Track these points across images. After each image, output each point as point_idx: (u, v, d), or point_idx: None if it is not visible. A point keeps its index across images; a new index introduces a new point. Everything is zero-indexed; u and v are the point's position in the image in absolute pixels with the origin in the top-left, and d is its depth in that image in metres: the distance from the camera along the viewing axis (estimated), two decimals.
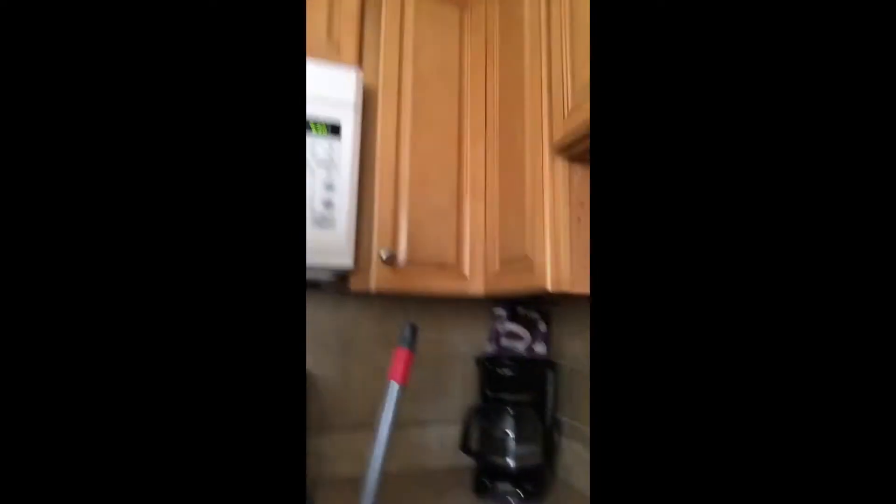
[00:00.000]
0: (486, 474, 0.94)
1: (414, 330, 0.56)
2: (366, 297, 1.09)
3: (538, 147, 0.69)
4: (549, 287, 0.64)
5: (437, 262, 0.84)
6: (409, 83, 0.87)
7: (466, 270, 0.86)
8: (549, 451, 1.01)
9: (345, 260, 0.76)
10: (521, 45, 0.78)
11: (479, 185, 0.89)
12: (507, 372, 0.97)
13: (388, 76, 0.86)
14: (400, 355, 0.54)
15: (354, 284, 0.81)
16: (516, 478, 0.92)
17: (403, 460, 1.05)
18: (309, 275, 0.80)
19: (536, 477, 0.94)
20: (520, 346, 1.13)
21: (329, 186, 0.77)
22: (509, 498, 0.90)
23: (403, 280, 0.81)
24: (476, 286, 0.86)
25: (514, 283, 0.75)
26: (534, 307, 1.16)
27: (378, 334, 1.09)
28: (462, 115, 0.90)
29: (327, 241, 0.76)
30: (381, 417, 0.53)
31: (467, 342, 1.17)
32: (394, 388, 0.53)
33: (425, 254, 0.84)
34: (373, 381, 1.08)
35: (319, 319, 1.06)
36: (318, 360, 1.04)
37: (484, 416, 0.99)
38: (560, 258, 0.64)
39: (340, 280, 0.98)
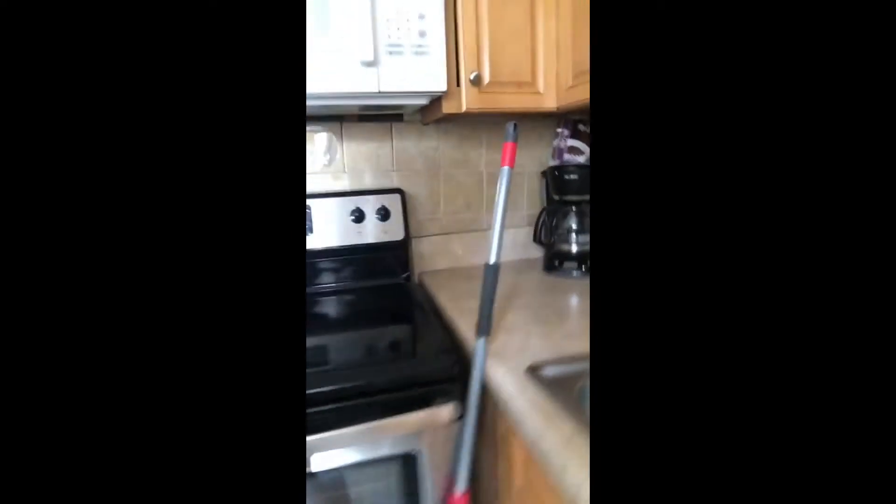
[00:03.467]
0: (555, 258, 1.20)
1: (515, 126, 0.73)
2: (444, 125, 1.25)
3: None
4: None
5: (515, 80, 0.96)
6: None
7: (541, 87, 0.98)
8: None
9: (440, 84, 0.90)
10: None
11: (551, 2, 0.95)
12: (572, 176, 1.15)
13: None
14: (507, 146, 0.72)
15: (447, 107, 0.96)
16: (578, 259, 1.18)
17: (486, 255, 1.33)
18: (406, 101, 0.95)
19: None
20: (580, 159, 1.29)
21: (421, 15, 0.86)
22: (574, 272, 1.16)
23: (488, 100, 0.95)
24: (550, 101, 0.99)
25: (588, 94, 0.88)
26: None
27: (457, 158, 1.28)
28: None
29: (425, 68, 0.88)
30: (498, 200, 0.73)
31: (533, 161, 1.34)
32: (505, 171, 0.72)
33: (505, 73, 0.95)
34: (456, 197, 1.30)
35: (406, 147, 1.24)
36: (410, 182, 1.25)
37: (552, 214, 1.21)
38: None
39: (423, 110, 1.13)
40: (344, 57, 0.83)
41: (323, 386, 0.70)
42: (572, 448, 0.49)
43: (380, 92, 0.87)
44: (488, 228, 1.33)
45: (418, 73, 0.88)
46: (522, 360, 0.70)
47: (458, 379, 0.76)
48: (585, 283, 1.10)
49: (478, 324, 0.74)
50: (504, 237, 0.80)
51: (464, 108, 0.94)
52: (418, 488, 0.78)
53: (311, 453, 0.69)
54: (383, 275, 1.20)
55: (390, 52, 0.86)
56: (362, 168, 1.22)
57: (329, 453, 0.70)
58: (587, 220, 1.18)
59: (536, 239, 1.22)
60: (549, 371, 0.68)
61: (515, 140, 0.73)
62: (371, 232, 1.16)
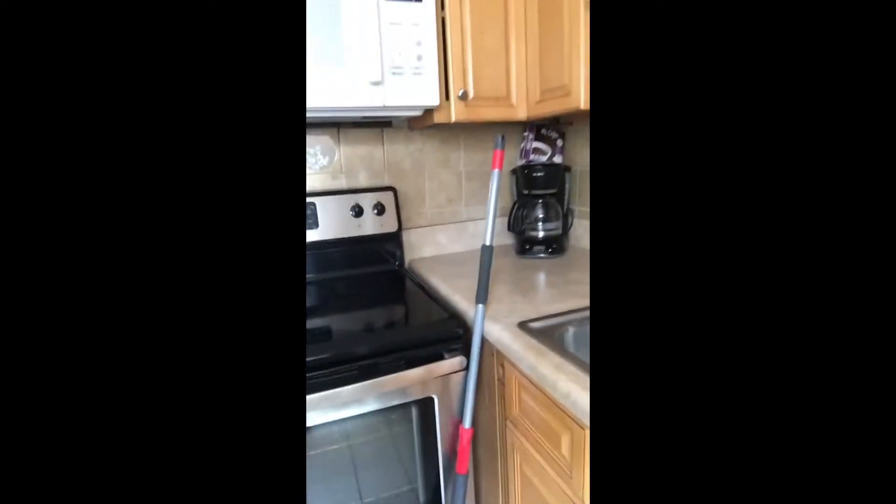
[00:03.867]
0: (526, 243, 1.42)
1: (503, 137, 0.92)
2: (428, 130, 1.43)
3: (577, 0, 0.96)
4: (583, 105, 0.99)
5: (493, 96, 1.16)
6: None
7: (514, 101, 1.19)
8: (566, 228, 1.48)
9: (434, 100, 1.08)
10: None
11: (521, 30, 1.15)
12: (539, 174, 1.37)
13: None
14: (496, 153, 0.92)
15: (438, 118, 1.14)
16: (545, 243, 1.40)
17: (466, 244, 1.53)
18: (404, 113, 1.12)
19: (557, 242, 1.42)
20: (543, 159, 1.52)
21: (418, 43, 1.04)
22: (541, 254, 1.39)
23: (471, 112, 1.15)
24: (521, 113, 1.20)
25: (553, 107, 1.09)
26: (553, 128, 1.50)
27: (439, 159, 1.46)
28: None
29: (421, 86, 1.06)
30: (490, 196, 0.93)
31: (504, 161, 1.55)
32: (495, 174, 0.92)
33: (485, 89, 1.15)
34: (439, 193, 1.48)
35: (395, 150, 1.41)
36: (399, 180, 1.43)
37: (522, 206, 1.42)
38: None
39: (414, 119, 1.30)
40: (355, 79, 1.00)
41: (353, 348, 0.87)
42: (561, 370, 0.70)
43: (384, 107, 1.04)
44: (468, 220, 1.53)
45: (416, 90, 1.06)
46: (513, 319, 0.91)
47: (461, 338, 0.96)
48: (551, 263, 1.33)
49: (476, 294, 0.94)
50: (483, 225, 0.99)
51: (453, 119, 1.13)
52: (435, 426, 0.97)
53: (348, 403, 0.86)
54: (379, 262, 1.37)
55: (393, 74, 1.03)
56: (357, 168, 1.38)
57: (362, 402, 0.88)
58: (552, 211, 1.41)
59: (510, 227, 1.43)
60: (535, 325, 0.89)
61: (503, 148, 0.93)
62: (369, 225, 1.32)
